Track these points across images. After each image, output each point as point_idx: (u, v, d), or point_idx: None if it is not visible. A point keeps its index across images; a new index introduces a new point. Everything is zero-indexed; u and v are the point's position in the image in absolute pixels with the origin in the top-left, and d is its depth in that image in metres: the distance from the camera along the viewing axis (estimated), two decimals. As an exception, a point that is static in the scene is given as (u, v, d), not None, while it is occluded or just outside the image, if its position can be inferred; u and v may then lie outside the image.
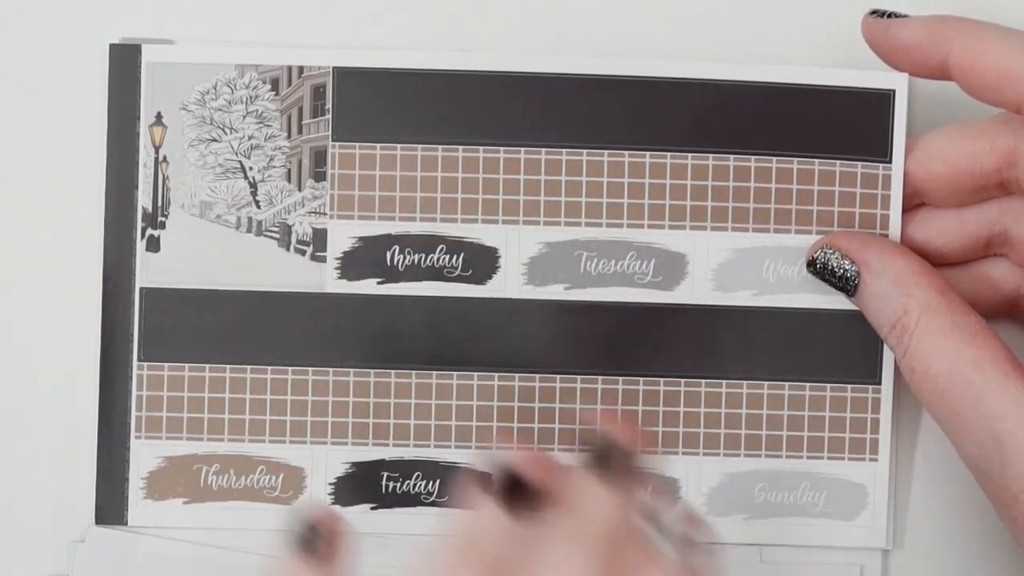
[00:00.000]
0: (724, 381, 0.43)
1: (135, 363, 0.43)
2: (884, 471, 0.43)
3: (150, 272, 0.43)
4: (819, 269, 0.42)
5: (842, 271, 0.41)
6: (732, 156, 0.42)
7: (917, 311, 0.39)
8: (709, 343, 0.43)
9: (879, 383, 0.43)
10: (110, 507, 0.43)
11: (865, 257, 0.41)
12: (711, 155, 0.43)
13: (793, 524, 0.43)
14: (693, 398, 0.43)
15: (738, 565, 0.44)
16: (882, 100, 0.42)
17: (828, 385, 0.43)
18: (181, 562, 0.43)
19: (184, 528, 0.43)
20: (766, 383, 0.43)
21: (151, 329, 0.43)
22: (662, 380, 0.43)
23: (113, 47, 0.43)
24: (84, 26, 0.44)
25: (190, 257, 0.43)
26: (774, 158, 0.42)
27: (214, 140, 0.43)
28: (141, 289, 0.43)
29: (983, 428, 0.37)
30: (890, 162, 0.42)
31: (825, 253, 0.41)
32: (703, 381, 0.43)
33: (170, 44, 0.43)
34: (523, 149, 0.43)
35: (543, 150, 0.43)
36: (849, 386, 0.43)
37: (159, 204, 0.43)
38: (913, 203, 0.42)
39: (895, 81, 0.42)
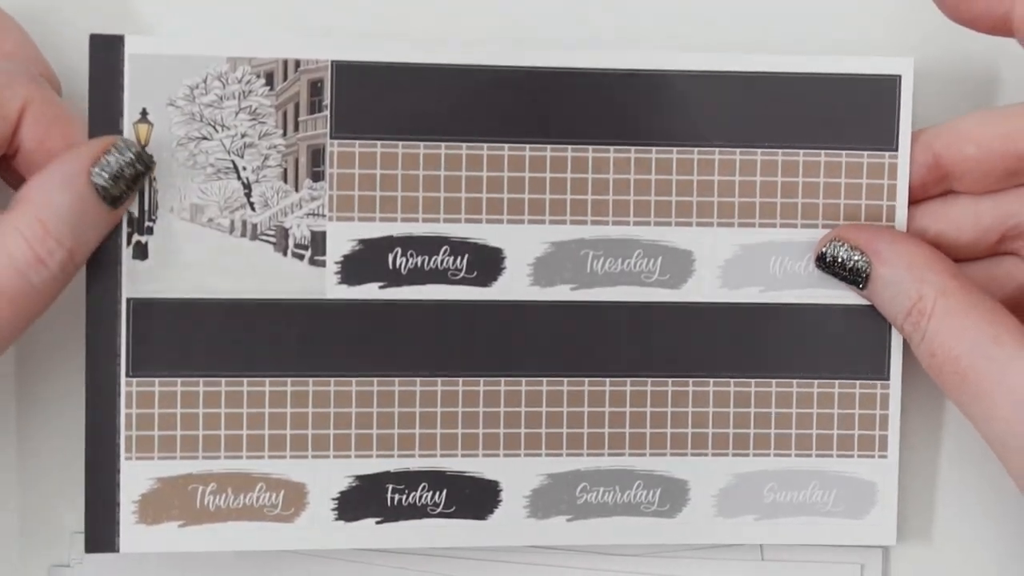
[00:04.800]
0: (732, 380, 0.42)
1: (123, 379, 0.40)
2: (893, 467, 0.43)
3: (137, 281, 0.40)
4: (829, 263, 0.41)
5: (852, 263, 0.41)
6: (738, 150, 0.42)
7: (933, 295, 0.39)
8: (716, 342, 0.42)
9: (887, 379, 0.43)
10: (100, 533, 0.40)
11: (876, 247, 0.40)
12: (717, 150, 0.42)
13: (802, 524, 0.43)
14: (701, 398, 0.42)
15: (739, 563, 0.43)
16: (888, 86, 0.42)
17: (836, 381, 0.43)
18: None
19: (180, 553, 0.40)
20: (774, 381, 0.42)
21: (139, 342, 0.40)
22: (670, 380, 0.42)
23: (94, 38, 0.39)
24: (66, 18, 0.42)
25: (180, 264, 0.40)
26: (780, 151, 0.42)
27: (204, 138, 0.40)
28: (128, 300, 0.40)
29: (1009, 403, 0.37)
30: (896, 150, 0.42)
31: (834, 246, 0.41)
32: (711, 380, 0.42)
33: (155, 35, 0.40)
34: (528, 146, 0.41)
35: (548, 147, 0.41)
36: (857, 382, 0.43)
37: (146, 208, 0.40)
38: (940, 188, 0.42)
39: (901, 66, 0.42)
